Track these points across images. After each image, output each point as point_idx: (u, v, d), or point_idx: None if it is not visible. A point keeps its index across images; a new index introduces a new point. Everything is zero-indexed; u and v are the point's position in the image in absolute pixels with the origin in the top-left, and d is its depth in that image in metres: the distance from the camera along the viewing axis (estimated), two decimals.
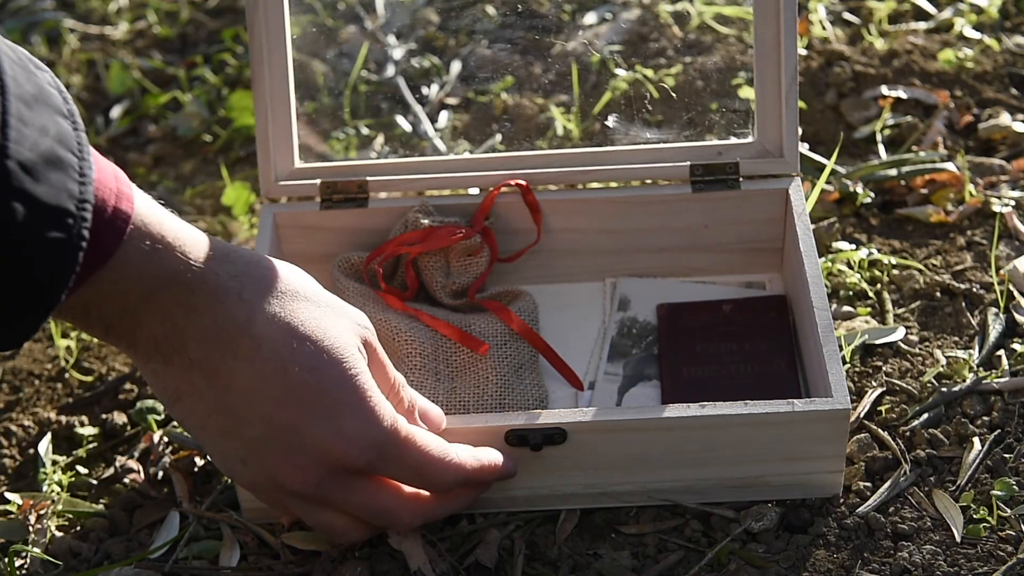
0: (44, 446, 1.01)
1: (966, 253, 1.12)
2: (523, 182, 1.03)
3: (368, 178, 1.04)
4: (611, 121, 1.16)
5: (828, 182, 1.19)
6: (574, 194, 1.05)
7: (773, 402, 0.85)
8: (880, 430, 0.95)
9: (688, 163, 1.03)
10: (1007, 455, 0.92)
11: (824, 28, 1.42)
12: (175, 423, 1.02)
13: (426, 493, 0.83)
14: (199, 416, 0.77)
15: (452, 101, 1.39)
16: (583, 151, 1.05)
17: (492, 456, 0.85)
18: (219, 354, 0.75)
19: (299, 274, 0.80)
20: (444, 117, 1.34)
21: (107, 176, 0.70)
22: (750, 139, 1.03)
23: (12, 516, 0.95)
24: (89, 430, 1.03)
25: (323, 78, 1.33)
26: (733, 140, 1.04)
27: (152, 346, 0.75)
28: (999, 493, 0.89)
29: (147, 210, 0.72)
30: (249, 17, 1.00)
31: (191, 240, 0.74)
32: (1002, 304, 1.05)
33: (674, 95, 1.03)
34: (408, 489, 0.82)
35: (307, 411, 0.76)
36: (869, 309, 1.07)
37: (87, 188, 0.66)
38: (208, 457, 0.80)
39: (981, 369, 1.00)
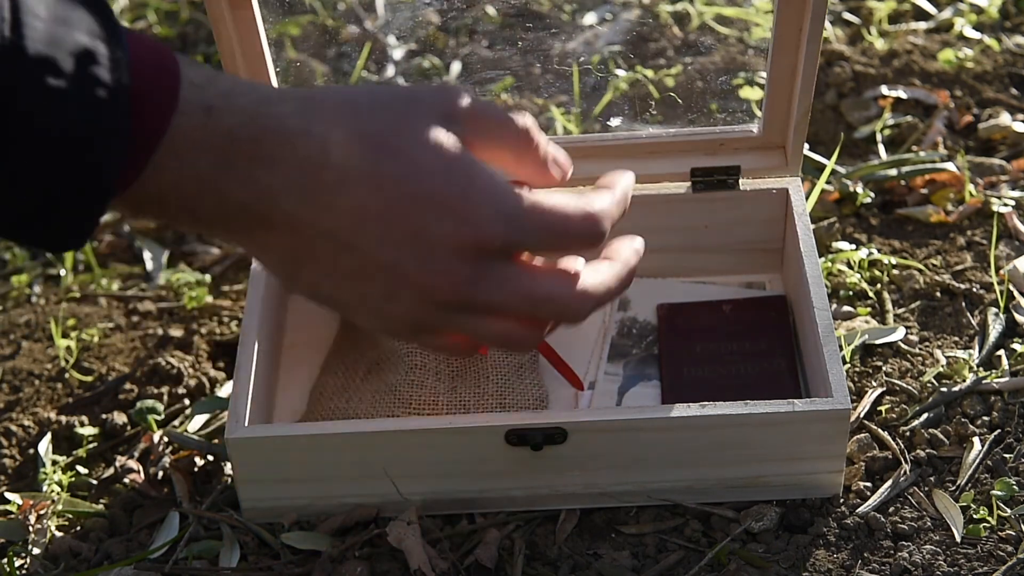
0: (44, 446, 1.01)
1: (966, 253, 1.12)
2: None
3: None
4: (613, 123, 1.16)
5: (828, 182, 1.19)
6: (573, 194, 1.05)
7: (773, 402, 0.85)
8: (880, 430, 0.95)
9: (688, 168, 1.03)
10: (1007, 455, 0.92)
11: (824, 28, 1.41)
12: (174, 424, 1.02)
13: (580, 266, 0.77)
14: (326, 271, 0.73)
15: None
16: (582, 144, 1.05)
17: (628, 181, 0.80)
18: (311, 195, 0.71)
19: (352, 89, 0.75)
20: None
21: (147, 52, 0.67)
22: (755, 131, 1.03)
23: (12, 516, 0.95)
24: (89, 430, 1.03)
25: (323, 78, 1.33)
26: (736, 128, 1.03)
27: (245, 216, 0.71)
28: (999, 493, 0.89)
29: (193, 76, 0.69)
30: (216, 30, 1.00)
31: (243, 92, 0.70)
32: (1002, 304, 1.05)
33: (679, 101, 1.03)
34: (563, 266, 0.76)
35: (420, 215, 0.71)
36: (869, 309, 1.07)
37: (121, 74, 0.64)
38: (359, 319, 0.74)
39: (981, 369, 1.00)
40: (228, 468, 0.97)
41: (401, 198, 0.72)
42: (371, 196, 0.71)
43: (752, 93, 1.28)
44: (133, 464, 0.99)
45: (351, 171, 0.71)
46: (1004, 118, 1.26)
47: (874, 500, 0.90)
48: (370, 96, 0.74)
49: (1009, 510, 0.88)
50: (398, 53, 1.44)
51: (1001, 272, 1.08)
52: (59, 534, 0.94)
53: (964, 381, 0.98)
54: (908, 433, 0.95)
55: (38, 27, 0.62)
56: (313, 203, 0.71)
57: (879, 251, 1.11)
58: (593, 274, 0.77)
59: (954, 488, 0.91)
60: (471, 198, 0.72)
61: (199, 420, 1.02)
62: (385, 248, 0.72)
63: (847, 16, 1.45)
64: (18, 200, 0.63)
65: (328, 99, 0.73)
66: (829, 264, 1.10)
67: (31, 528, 0.94)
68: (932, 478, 0.92)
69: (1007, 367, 0.99)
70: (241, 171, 0.70)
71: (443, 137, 0.73)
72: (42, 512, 0.95)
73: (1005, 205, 1.14)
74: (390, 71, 1.42)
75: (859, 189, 1.18)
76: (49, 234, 0.66)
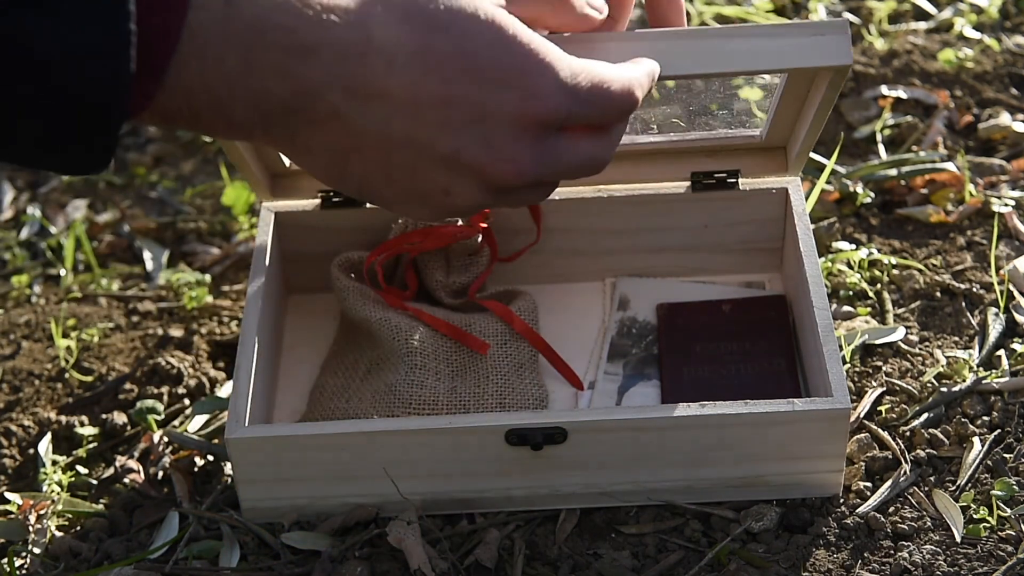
0: (44, 446, 1.01)
1: (966, 253, 1.12)
2: None
3: None
4: None
5: (828, 182, 1.19)
6: (574, 194, 1.05)
7: (773, 402, 0.85)
8: (880, 430, 0.95)
9: (688, 172, 1.03)
10: (1007, 455, 0.92)
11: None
12: (174, 424, 1.02)
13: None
14: (377, 166, 0.69)
15: None
16: None
17: (649, 67, 0.78)
18: (359, 83, 0.66)
19: None
20: None
21: None
22: (756, 133, 1.03)
23: (12, 516, 0.95)
24: (89, 430, 1.03)
25: None
26: (740, 132, 1.03)
27: (286, 113, 0.66)
28: (999, 493, 0.89)
29: None
30: None
31: None
32: (1002, 304, 1.05)
33: (682, 124, 1.02)
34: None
35: (479, 94, 0.68)
36: (869, 309, 1.07)
37: None
38: (411, 217, 0.73)
39: (981, 369, 1.00)
40: (228, 468, 0.97)
41: (459, 75, 0.67)
42: (425, 78, 0.67)
43: (752, 93, 1.28)
44: (133, 464, 0.99)
45: (399, 52, 0.66)
46: (1004, 118, 1.26)
47: (874, 500, 0.90)
48: None
49: (1009, 510, 0.88)
50: None
51: (1001, 272, 1.08)
52: (59, 534, 0.94)
53: (964, 381, 0.98)
54: (908, 433, 0.95)
55: None
56: (361, 93, 0.66)
57: (879, 251, 1.11)
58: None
59: (954, 488, 0.91)
60: (530, 70, 0.69)
61: (199, 420, 1.02)
62: (445, 135, 0.68)
63: (847, 16, 1.45)
64: (30, 125, 0.58)
65: None
66: (829, 264, 1.10)
67: (31, 528, 0.94)
68: (932, 478, 0.92)
69: (1007, 367, 0.99)
70: (274, 64, 0.64)
71: (487, 5, 0.68)
72: (42, 512, 0.95)
73: (1005, 205, 1.14)
74: None
75: (859, 189, 1.18)
76: (68, 158, 0.60)
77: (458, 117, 0.68)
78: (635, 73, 0.75)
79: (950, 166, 1.18)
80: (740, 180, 1.03)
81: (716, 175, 1.03)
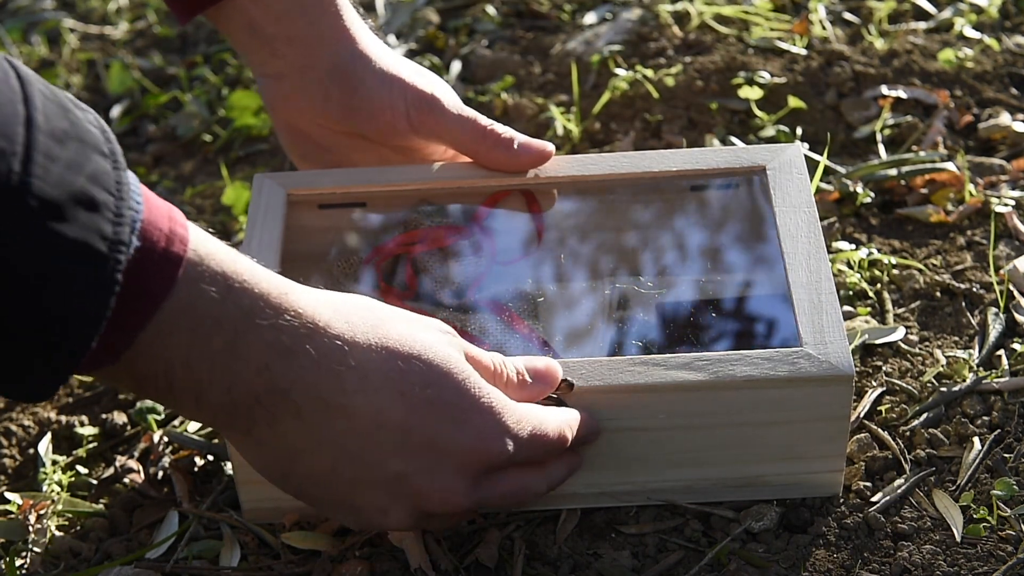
0: (44, 446, 1.01)
1: (966, 253, 1.12)
2: (528, 178, 1.03)
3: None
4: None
5: (828, 182, 1.19)
6: (574, 194, 1.05)
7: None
8: (880, 430, 0.95)
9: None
10: (1007, 455, 0.92)
11: (824, 28, 1.42)
12: (174, 424, 1.02)
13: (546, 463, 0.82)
14: (322, 473, 0.74)
15: None
16: (585, 156, 1.05)
17: (589, 425, 0.85)
18: (327, 393, 0.71)
19: (367, 299, 0.78)
20: None
21: (158, 217, 0.66)
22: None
23: (12, 516, 0.95)
24: (89, 430, 1.03)
25: None
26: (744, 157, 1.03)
27: (253, 405, 0.70)
28: (999, 493, 0.89)
29: (209, 250, 0.67)
30: None
31: (264, 279, 0.70)
32: (1002, 304, 1.05)
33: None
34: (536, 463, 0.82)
35: (437, 427, 0.74)
36: (869, 309, 1.07)
37: (122, 229, 0.62)
38: (331, 518, 0.79)
39: (981, 369, 1.00)
40: (228, 468, 0.97)
41: (422, 407, 0.73)
42: (393, 402, 0.72)
43: (752, 92, 1.28)
44: (133, 464, 0.99)
45: (373, 374, 0.72)
46: (1004, 118, 1.26)
47: (874, 500, 0.90)
48: (387, 310, 0.76)
49: (1009, 510, 0.88)
50: (398, 53, 1.44)
51: (1001, 272, 1.08)
52: (59, 534, 0.94)
53: (964, 381, 0.98)
54: (908, 433, 0.95)
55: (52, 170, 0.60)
56: (329, 400, 0.71)
57: (879, 251, 1.11)
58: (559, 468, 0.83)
59: (954, 488, 0.91)
60: (484, 413, 0.75)
61: None
62: (396, 458, 0.74)
63: (847, 16, 1.45)
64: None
65: (348, 302, 0.74)
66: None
67: (31, 528, 0.94)
68: (932, 478, 0.92)
69: (1007, 367, 0.99)
70: (256, 357, 0.69)
71: (459, 358, 0.76)
72: (42, 512, 0.95)
73: (1005, 205, 1.14)
74: None
75: (859, 189, 1.18)
76: (9, 384, 0.63)
77: (412, 444, 0.73)
78: (568, 416, 0.82)
79: (950, 166, 1.18)
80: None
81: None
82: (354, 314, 0.74)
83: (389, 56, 1.01)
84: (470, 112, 1.00)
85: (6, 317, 0.60)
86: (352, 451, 0.73)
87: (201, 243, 0.67)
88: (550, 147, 1.00)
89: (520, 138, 0.99)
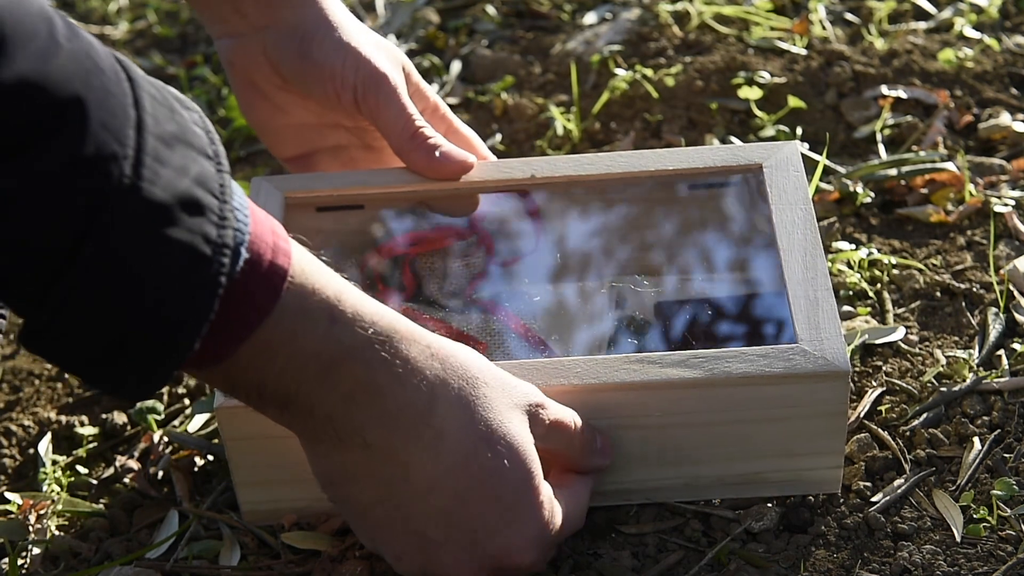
0: (44, 446, 1.01)
1: (966, 253, 1.12)
2: (525, 178, 1.03)
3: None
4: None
5: (828, 182, 1.19)
6: (574, 193, 1.05)
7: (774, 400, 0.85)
8: (880, 430, 0.95)
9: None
10: (1007, 455, 0.92)
11: (824, 28, 1.42)
12: (174, 424, 1.02)
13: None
14: (364, 503, 0.75)
15: (452, 101, 1.39)
16: (582, 156, 1.05)
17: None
18: (400, 441, 0.72)
19: (469, 352, 0.78)
20: None
21: (264, 229, 0.67)
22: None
23: (12, 516, 0.95)
24: (89, 430, 1.03)
25: None
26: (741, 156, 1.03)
27: (327, 426, 0.72)
28: (999, 493, 0.89)
29: (310, 268, 0.69)
30: None
31: (369, 313, 0.71)
32: (1002, 304, 1.05)
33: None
34: None
35: (484, 518, 0.75)
36: (869, 309, 1.07)
37: (226, 232, 0.63)
38: (358, 534, 0.80)
39: (981, 369, 1.00)
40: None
41: (478, 488, 0.74)
42: (455, 471, 0.73)
43: (751, 92, 1.28)
44: (133, 464, 0.99)
45: (448, 437, 0.73)
46: (1004, 118, 1.26)
47: (874, 500, 0.90)
48: (483, 370, 0.76)
49: (1009, 510, 0.88)
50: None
51: (1001, 272, 1.08)
52: (59, 534, 0.94)
53: (964, 381, 0.98)
54: (908, 433, 0.95)
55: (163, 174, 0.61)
56: (399, 448, 0.72)
57: (879, 251, 1.11)
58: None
59: (954, 488, 0.91)
60: (529, 522, 0.77)
61: (199, 420, 1.01)
62: (434, 525, 0.75)
63: (847, 16, 1.45)
64: (92, 339, 0.62)
65: (449, 354, 0.75)
66: (829, 264, 1.10)
67: (31, 528, 0.94)
68: (932, 478, 0.92)
69: (1007, 367, 0.99)
70: (345, 389, 0.70)
71: (532, 454, 0.76)
72: (42, 512, 0.95)
73: (1005, 205, 1.14)
74: None
75: (859, 189, 1.18)
76: (114, 381, 0.64)
77: (454, 519, 0.75)
78: (576, 524, 0.84)
79: (950, 166, 1.18)
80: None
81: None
82: (450, 372, 0.74)
83: (354, 27, 0.98)
84: (411, 108, 0.97)
85: (115, 316, 0.61)
86: (398, 501, 0.74)
87: (304, 260, 0.69)
88: (472, 159, 0.98)
89: (445, 147, 0.97)
